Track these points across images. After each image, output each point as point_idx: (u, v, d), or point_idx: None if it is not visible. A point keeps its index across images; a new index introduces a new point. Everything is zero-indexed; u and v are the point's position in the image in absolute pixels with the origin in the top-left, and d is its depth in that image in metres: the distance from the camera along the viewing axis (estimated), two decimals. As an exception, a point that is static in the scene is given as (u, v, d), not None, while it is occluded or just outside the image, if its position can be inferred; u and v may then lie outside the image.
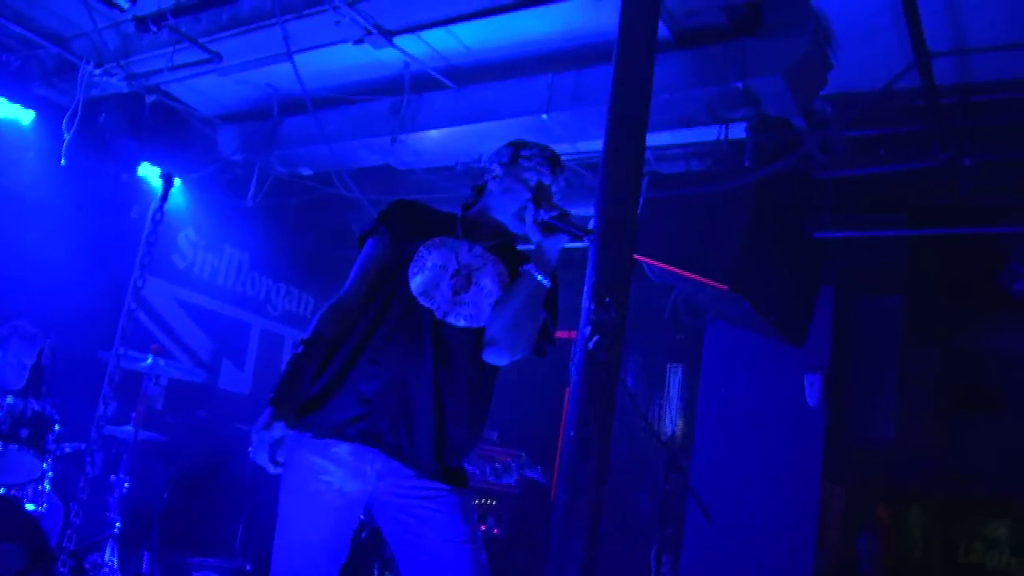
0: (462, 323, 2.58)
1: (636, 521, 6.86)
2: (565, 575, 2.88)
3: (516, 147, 2.81)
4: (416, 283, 2.56)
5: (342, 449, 2.44)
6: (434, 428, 2.49)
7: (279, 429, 2.35)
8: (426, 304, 2.54)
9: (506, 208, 2.73)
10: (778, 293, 5.50)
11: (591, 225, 3.17)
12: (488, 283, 2.64)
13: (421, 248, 2.62)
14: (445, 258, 2.62)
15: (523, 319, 2.57)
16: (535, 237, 2.63)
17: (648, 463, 4.74)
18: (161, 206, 4.45)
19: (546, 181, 2.74)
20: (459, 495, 2.53)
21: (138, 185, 7.11)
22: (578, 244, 2.68)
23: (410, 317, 2.52)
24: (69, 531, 4.12)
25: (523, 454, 6.46)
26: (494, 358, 2.62)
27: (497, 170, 2.78)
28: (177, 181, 7.21)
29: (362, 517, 2.63)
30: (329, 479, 2.43)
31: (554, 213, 2.59)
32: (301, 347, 2.48)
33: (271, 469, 2.36)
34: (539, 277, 2.57)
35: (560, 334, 2.79)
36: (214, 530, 6.46)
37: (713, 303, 6.00)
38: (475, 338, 2.60)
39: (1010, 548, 7.36)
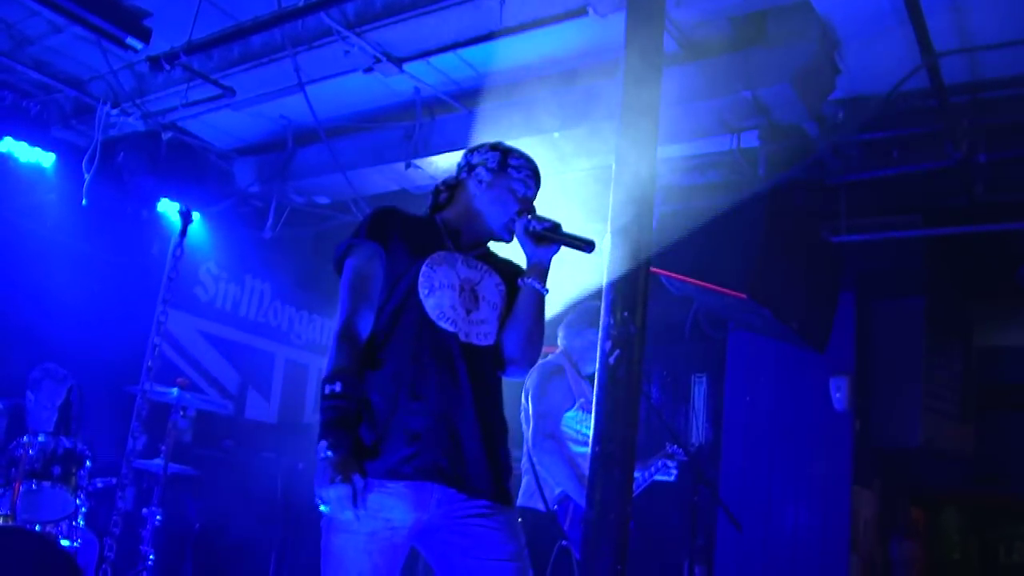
0: (483, 342, 2.58)
1: (666, 534, 6.84)
2: (595, 592, 2.88)
3: (503, 153, 2.76)
4: (431, 305, 2.51)
5: (400, 486, 2.38)
6: (486, 452, 2.49)
7: (358, 480, 2.30)
8: (448, 328, 2.51)
9: (494, 218, 2.71)
10: (798, 300, 5.49)
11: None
12: (492, 296, 2.64)
13: (424, 266, 2.55)
14: (448, 275, 2.57)
15: (536, 332, 2.63)
16: (527, 248, 2.65)
17: (677, 476, 4.72)
18: (181, 241, 4.51)
19: (531, 195, 2.74)
20: (507, 513, 2.52)
21: (158, 221, 7.19)
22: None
23: (438, 344, 2.49)
24: (104, 566, 4.16)
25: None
26: (514, 374, 2.66)
27: (485, 176, 2.73)
28: (196, 215, 7.32)
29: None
30: (388, 516, 2.36)
31: (548, 225, 2.62)
32: (335, 385, 2.38)
33: (357, 523, 2.31)
34: (540, 288, 2.63)
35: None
36: (247, 560, 6.47)
37: (734, 313, 5.99)
38: (493, 354, 2.61)
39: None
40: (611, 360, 3.13)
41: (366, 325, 2.52)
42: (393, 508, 2.37)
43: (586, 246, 2.59)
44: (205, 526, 6.24)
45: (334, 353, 2.45)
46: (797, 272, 5.47)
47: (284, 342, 8.45)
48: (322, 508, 2.34)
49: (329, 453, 2.31)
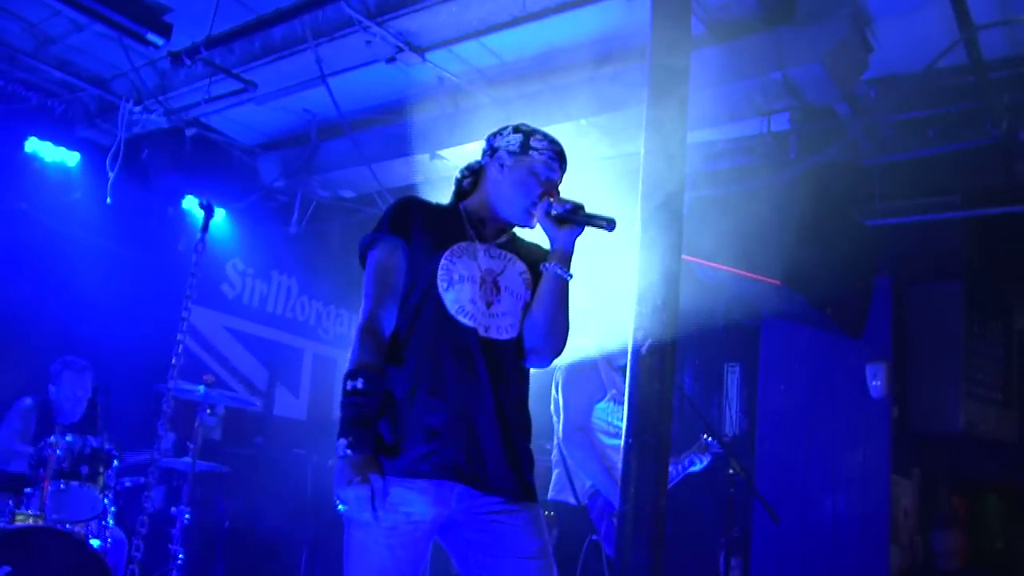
0: (504, 336, 2.51)
1: (702, 526, 6.74)
2: (631, 587, 2.80)
3: (525, 135, 2.66)
4: (450, 300, 2.45)
5: (420, 482, 2.34)
6: (505, 449, 2.42)
7: (376, 480, 2.27)
8: (467, 323, 2.45)
9: (516, 202, 2.61)
10: (833, 286, 5.39)
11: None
12: (515, 287, 2.56)
13: (444, 259, 2.48)
14: (469, 267, 2.50)
15: (559, 320, 2.54)
16: (550, 232, 2.56)
17: (711, 466, 4.63)
18: (203, 236, 4.46)
19: (555, 177, 2.65)
20: (531, 509, 2.46)
21: (183, 218, 7.18)
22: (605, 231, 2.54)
23: (457, 340, 2.43)
24: (132, 566, 4.13)
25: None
26: (538, 364, 2.59)
27: (507, 159, 2.64)
28: (221, 211, 7.31)
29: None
30: (408, 510, 2.32)
31: (568, 207, 2.53)
32: (357, 381, 2.34)
33: (376, 523, 2.28)
34: (563, 273, 2.53)
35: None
36: (278, 557, 6.45)
37: (767, 300, 5.89)
38: (516, 346, 2.54)
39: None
40: (643, 350, 3.05)
41: (390, 319, 2.47)
42: (413, 502, 2.33)
43: (607, 224, 2.49)
44: (235, 524, 6.22)
45: (356, 348, 2.40)
46: (831, 257, 5.35)
47: (312, 338, 8.42)
48: (340, 508, 2.31)
49: (348, 452, 2.28)
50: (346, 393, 2.35)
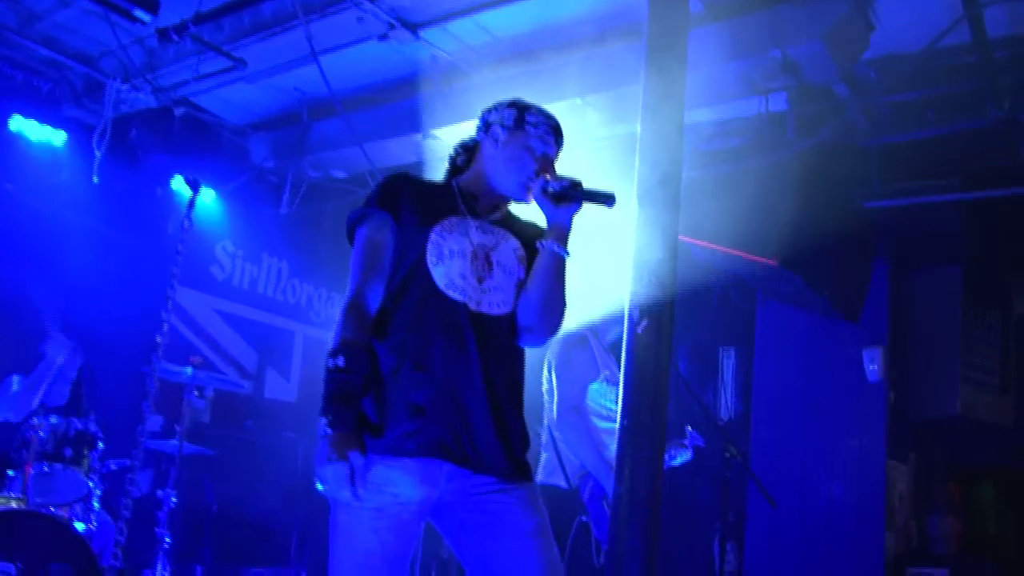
0: (496, 311, 2.43)
1: (696, 510, 6.70)
2: (625, 572, 2.73)
3: (520, 110, 2.60)
4: (439, 274, 2.37)
5: (405, 461, 2.26)
6: (495, 427, 2.34)
7: (356, 458, 2.19)
8: (457, 298, 2.37)
9: (510, 178, 2.55)
10: (830, 268, 5.33)
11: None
12: (508, 262, 2.49)
13: (433, 234, 2.41)
14: (460, 242, 2.43)
15: (555, 298, 2.47)
16: (546, 209, 2.49)
17: (706, 450, 4.57)
18: (189, 212, 4.38)
19: (551, 153, 2.58)
20: (527, 488, 2.38)
21: (172, 199, 7.08)
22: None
23: (446, 315, 2.35)
24: (115, 549, 4.08)
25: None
26: (532, 343, 2.51)
27: (501, 134, 2.58)
28: (211, 192, 7.22)
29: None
30: (395, 490, 2.23)
31: (565, 183, 2.45)
32: (338, 359, 2.28)
33: (356, 502, 2.20)
34: (560, 251, 2.46)
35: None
36: (268, 540, 6.40)
37: (764, 282, 5.82)
38: (509, 323, 2.47)
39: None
40: (640, 329, 2.98)
41: (376, 296, 2.41)
42: (399, 482, 2.25)
43: (607, 200, 2.42)
44: (224, 507, 6.15)
45: (341, 325, 2.35)
46: (829, 239, 5.30)
47: (303, 320, 8.35)
48: (319, 487, 2.24)
49: (328, 430, 2.21)
50: (328, 371, 2.29)
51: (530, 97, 5.24)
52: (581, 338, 4.21)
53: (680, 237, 3.88)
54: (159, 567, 4.49)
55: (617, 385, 4.23)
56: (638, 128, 3.58)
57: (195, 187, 4.39)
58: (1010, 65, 4.82)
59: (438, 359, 2.33)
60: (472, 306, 2.39)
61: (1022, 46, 4.78)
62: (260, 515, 6.30)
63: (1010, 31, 4.72)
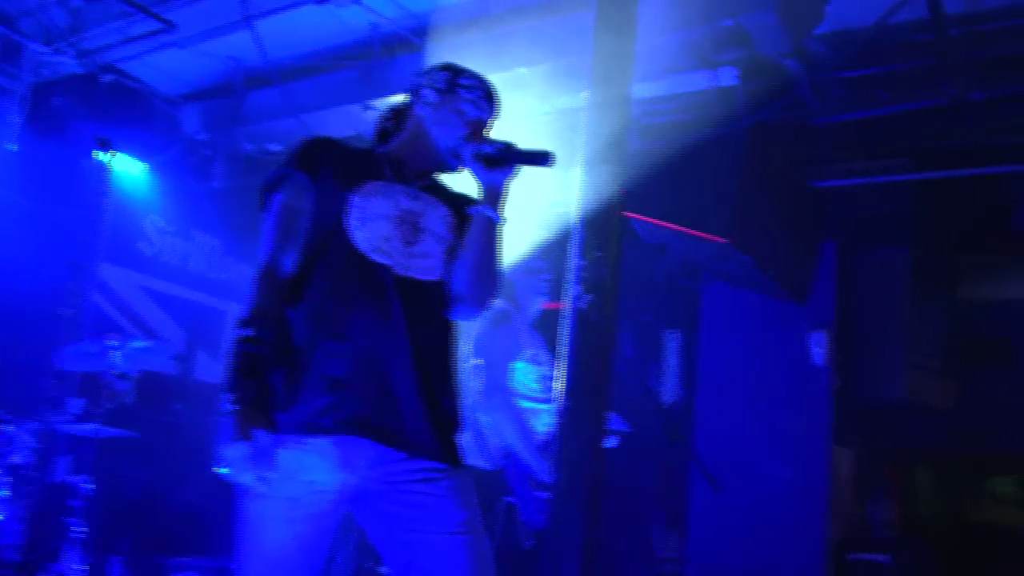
0: (425, 276, 2.25)
1: (638, 496, 6.58)
2: (563, 561, 2.58)
3: (453, 73, 2.44)
4: (361, 238, 2.19)
5: (321, 441, 2.06)
6: (423, 401, 2.15)
7: (262, 437, 1.97)
8: (382, 260, 2.19)
9: (439, 141, 2.38)
10: (778, 247, 5.23)
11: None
12: (437, 228, 2.32)
13: (355, 197, 2.24)
14: (385, 206, 2.26)
15: (488, 266, 2.30)
16: (479, 174, 2.31)
17: (648, 435, 4.44)
18: (103, 176, 4.11)
19: (484, 118, 2.42)
20: (457, 476, 2.19)
21: (99, 171, 6.74)
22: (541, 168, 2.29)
23: (368, 279, 2.17)
24: (9, 542, 3.80)
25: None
26: (464, 314, 2.33)
27: (431, 96, 2.41)
28: (141, 164, 6.91)
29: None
30: (311, 477, 2.04)
31: (499, 145, 2.28)
32: (248, 329, 2.08)
33: (262, 487, 1.98)
34: (493, 215, 2.29)
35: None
36: (195, 528, 6.14)
37: (711, 261, 5.70)
38: (439, 291, 2.29)
39: (1017, 504, 7.19)
40: (583, 304, 2.81)
41: (290, 263, 2.22)
42: (315, 468, 2.05)
43: (544, 159, 2.24)
44: (147, 495, 5.90)
45: (253, 294, 2.15)
46: (778, 219, 5.21)
47: (236, 299, 8.07)
48: (220, 471, 2.01)
49: (232, 407, 2.00)
50: (236, 342, 2.08)
51: (474, 66, 5.05)
52: (504, 314, 4.07)
53: (626, 213, 3.74)
54: (71, 559, 4.20)
55: (541, 365, 4.12)
56: (586, 98, 3.45)
57: (104, 148, 4.11)
58: (964, 43, 4.73)
59: (359, 327, 2.14)
60: (399, 270, 2.20)
61: (977, 23, 4.69)
62: (187, 502, 6.05)
63: (965, 8, 4.63)
